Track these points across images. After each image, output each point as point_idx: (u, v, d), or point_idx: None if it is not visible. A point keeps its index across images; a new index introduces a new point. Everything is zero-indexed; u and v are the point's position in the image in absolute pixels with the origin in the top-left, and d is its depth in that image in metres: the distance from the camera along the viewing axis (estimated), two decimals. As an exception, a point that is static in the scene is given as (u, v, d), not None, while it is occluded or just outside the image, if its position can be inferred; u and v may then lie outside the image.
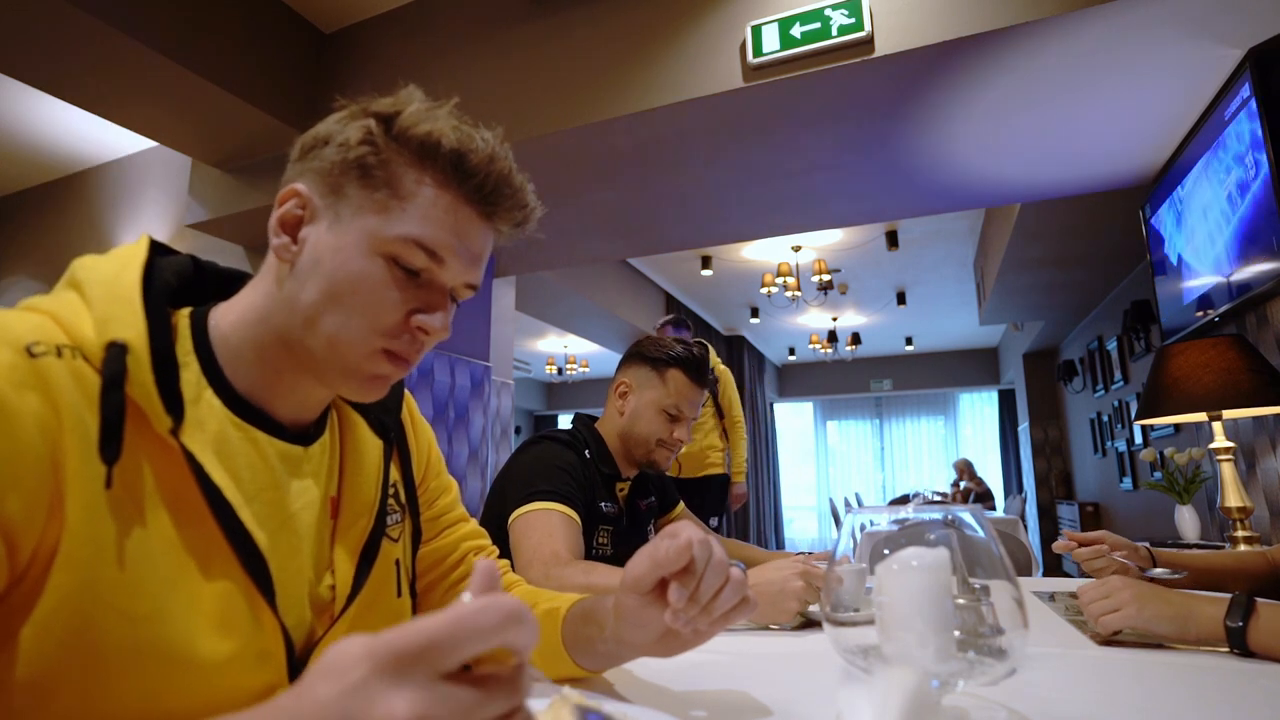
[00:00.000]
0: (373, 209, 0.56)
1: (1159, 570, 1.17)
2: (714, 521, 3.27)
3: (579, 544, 1.20)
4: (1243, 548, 1.85)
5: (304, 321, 0.56)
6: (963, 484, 7.30)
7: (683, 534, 0.57)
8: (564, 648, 0.71)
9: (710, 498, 3.33)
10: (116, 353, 0.48)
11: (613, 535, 1.38)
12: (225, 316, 0.58)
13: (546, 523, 1.17)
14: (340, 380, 0.58)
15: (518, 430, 11.06)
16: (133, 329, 0.49)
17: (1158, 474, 2.80)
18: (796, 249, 5.70)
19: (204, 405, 0.54)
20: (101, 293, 0.50)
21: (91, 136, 3.76)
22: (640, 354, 1.45)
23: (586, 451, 1.37)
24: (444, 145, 0.56)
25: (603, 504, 1.35)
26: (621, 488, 1.44)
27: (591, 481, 1.33)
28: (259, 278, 0.60)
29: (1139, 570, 1.18)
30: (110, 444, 0.46)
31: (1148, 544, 1.24)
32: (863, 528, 0.57)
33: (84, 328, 0.48)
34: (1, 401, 0.42)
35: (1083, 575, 1.27)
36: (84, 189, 4.12)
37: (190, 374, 0.54)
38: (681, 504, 1.71)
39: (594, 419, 1.48)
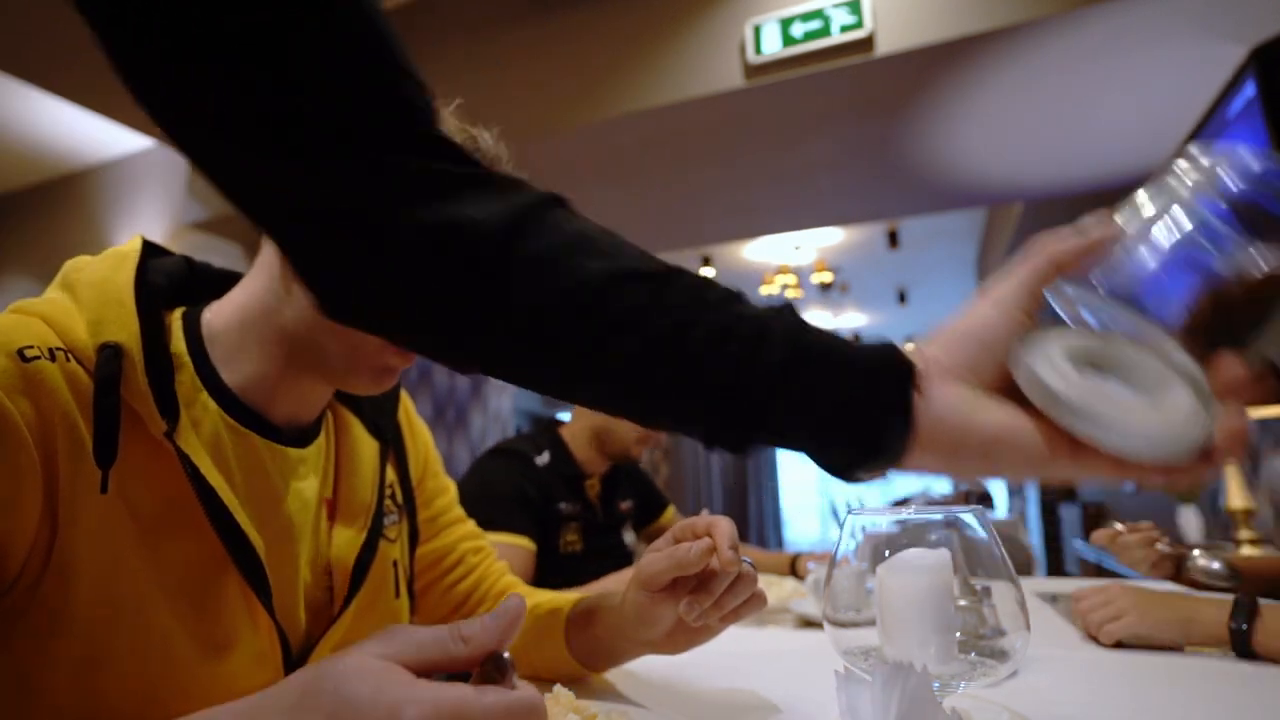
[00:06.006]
0: None
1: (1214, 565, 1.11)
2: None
3: (529, 574, 1.26)
4: (1246, 549, 1.84)
5: (315, 316, 0.54)
6: (963, 485, 7.27)
7: (703, 531, 0.61)
8: (566, 646, 0.71)
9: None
10: (110, 355, 0.47)
11: (583, 531, 1.40)
12: (219, 315, 0.57)
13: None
14: (352, 375, 0.57)
15: (518, 430, 11.03)
16: (126, 331, 0.48)
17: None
18: (797, 248, 5.69)
19: (199, 407, 0.53)
20: (94, 294, 0.49)
21: (91, 135, 3.75)
22: None
23: (543, 455, 1.40)
24: None
25: (561, 505, 1.38)
26: (591, 484, 1.46)
27: (544, 487, 1.36)
28: (254, 273, 0.59)
29: (1175, 563, 1.14)
30: (105, 448, 0.45)
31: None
32: (864, 529, 0.57)
33: (77, 330, 0.47)
34: None
35: (1085, 575, 1.25)
36: (83, 188, 4.11)
37: (185, 375, 0.53)
38: (672, 507, 1.71)
39: (557, 422, 1.52)
